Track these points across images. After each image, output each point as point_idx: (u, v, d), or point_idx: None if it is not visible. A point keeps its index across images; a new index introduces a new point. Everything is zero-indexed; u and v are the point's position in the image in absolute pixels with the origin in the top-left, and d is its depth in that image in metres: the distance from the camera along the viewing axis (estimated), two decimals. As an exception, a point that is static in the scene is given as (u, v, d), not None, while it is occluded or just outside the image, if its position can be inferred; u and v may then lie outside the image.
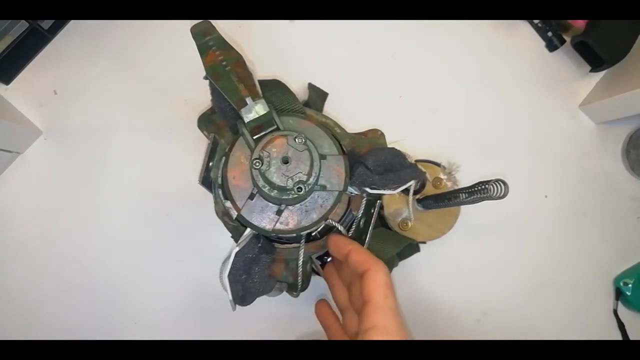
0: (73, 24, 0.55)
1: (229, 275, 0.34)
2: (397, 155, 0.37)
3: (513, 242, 0.52)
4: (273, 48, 0.55)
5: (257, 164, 0.31)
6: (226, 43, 0.35)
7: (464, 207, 0.47)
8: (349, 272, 0.37)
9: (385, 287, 0.30)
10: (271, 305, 0.49)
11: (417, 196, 0.46)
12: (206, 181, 0.38)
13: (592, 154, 0.54)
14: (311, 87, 0.52)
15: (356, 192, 0.37)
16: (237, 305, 0.35)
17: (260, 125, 0.33)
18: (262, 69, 0.53)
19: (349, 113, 0.50)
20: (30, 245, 0.50)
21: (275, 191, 0.31)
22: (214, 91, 0.37)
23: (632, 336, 0.51)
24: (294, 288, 0.40)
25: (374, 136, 0.41)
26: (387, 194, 0.36)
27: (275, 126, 0.34)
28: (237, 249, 0.34)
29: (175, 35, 0.54)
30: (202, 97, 0.39)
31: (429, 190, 0.47)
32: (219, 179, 0.37)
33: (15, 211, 0.51)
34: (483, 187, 0.34)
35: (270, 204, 0.34)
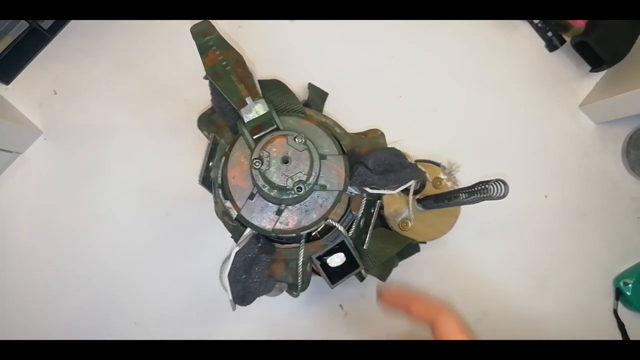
0: (73, 24, 0.55)
1: (229, 275, 0.34)
2: (397, 155, 0.37)
3: (513, 242, 0.52)
4: (273, 48, 0.55)
5: (257, 163, 0.31)
6: (226, 43, 0.35)
7: (464, 207, 0.47)
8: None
9: (460, 333, 0.29)
10: (271, 305, 0.49)
11: (417, 196, 0.46)
12: (206, 181, 0.38)
13: (592, 154, 0.54)
14: (311, 87, 0.52)
15: (356, 192, 0.37)
16: (237, 305, 0.35)
17: (260, 125, 0.33)
18: (262, 69, 0.53)
19: (349, 113, 0.50)
20: (30, 245, 0.50)
21: (275, 191, 0.31)
22: (214, 91, 0.37)
23: (632, 336, 0.51)
24: (294, 288, 0.40)
25: (374, 136, 0.41)
26: (387, 194, 0.36)
27: (275, 126, 0.34)
28: (237, 248, 0.34)
29: (175, 35, 0.54)
30: (202, 97, 0.39)
31: (429, 190, 0.47)
32: (219, 179, 0.37)
33: (15, 211, 0.51)
34: (483, 187, 0.34)
35: (270, 203, 0.34)
